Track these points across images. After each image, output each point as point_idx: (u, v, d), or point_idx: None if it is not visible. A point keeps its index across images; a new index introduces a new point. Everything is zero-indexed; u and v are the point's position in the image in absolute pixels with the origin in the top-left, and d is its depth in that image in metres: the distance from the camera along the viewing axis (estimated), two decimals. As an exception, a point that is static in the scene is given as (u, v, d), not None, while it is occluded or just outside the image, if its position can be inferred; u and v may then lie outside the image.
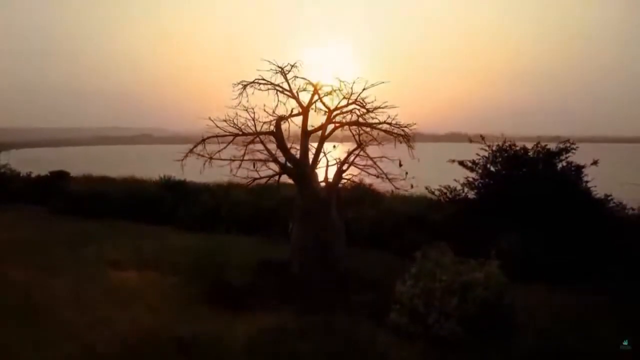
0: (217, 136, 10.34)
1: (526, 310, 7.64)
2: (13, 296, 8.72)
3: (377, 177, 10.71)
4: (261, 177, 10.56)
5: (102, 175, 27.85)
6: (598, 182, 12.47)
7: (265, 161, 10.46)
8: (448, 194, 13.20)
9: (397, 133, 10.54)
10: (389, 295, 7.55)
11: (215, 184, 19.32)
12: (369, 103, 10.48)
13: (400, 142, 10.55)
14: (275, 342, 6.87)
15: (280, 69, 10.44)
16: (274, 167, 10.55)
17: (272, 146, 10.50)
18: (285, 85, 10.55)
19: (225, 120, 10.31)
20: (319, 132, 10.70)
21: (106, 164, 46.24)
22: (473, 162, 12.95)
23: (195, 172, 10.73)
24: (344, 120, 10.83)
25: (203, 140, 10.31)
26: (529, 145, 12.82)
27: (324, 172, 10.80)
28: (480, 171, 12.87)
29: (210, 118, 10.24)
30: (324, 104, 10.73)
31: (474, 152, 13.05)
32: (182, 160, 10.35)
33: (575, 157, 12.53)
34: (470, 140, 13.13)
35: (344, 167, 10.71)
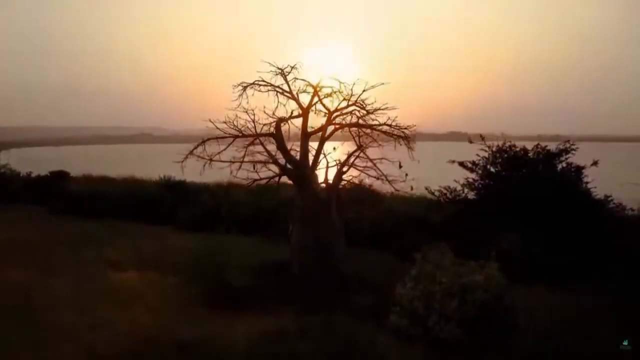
0: (217, 138, 10.34)
1: (526, 311, 7.63)
2: (13, 296, 8.72)
3: (377, 178, 10.72)
4: (261, 179, 10.57)
5: (102, 175, 27.86)
6: (598, 182, 12.48)
7: (265, 163, 10.47)
8: (448, 195, 13.21)
9: (397, 134, 10.54)
10: (389, 297, 7.54)
11: (215, 184, 19.33)
12: (369, 104, 10.51)
13: (400, 144, 10.56)
14: (275, 342, 6.87)
15: (280, 71, 10.44)
16: (274, 168, 10.56)
17: (272, 147, 10.50)
18: (285, 87, 10.57)
19: (225, 122, 10.33)
20: (319, 133, 10.70)
21: (106, 164, 46.25)
22: (473, 162, 12.95)
23: (195, 172, 10.74)
24: (344, 122, 10.83)
25: (203, 142, 10.32)
26: (529, 144, 12.83)
27: (324, 173, 10.82)
28: (480, 172, 12.87)
29: (210, 120, 10.26)
30: (324, 105, 10.75)
31: (474, 151, 13.05)
32: (182, 162, 10.35)
33: (575, 157, 12.54)
34: (470, 141, 13.13)
35: (344, 169, 10.71)
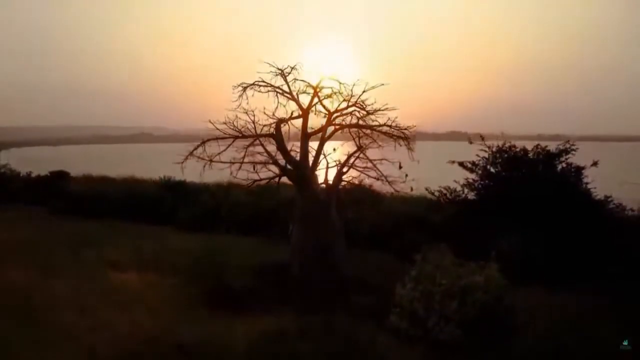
0: (217, 138, 10.34)
1: (526, 311, 7.64)
2: (13, 297, 8.72)
3: (377, 179, 10.72)
4: (261, 179, 10.57)
5: (102, 175, 27.87)
6: (598, 182, 12.46)
7: (265, 163, 10.47)
8: (448, 195, 13.20)
9: (397, 135, 10.54)
10: (389, 297, 7.55)
11: (215, 184, 19.32)
12: (369, 105, 10.51)
13: (400, 145, 10.56)
14: (275, 343, 6.88)
15: (280, 71, 10.44)
16: (274, 169, 10.56)
17: (272, 148, 10.50)
18: (285, 88, 10.56)
19: (225, 123, 10.32)
20: (319, 134, 10.70)
21: (106, 163, 46.27)
22: (473, 163, 12.93)
23: (195, 172, 10.74)
24: (344, 123, 10.84)
25: (203, 143, 10.32)
26: (529, 144, 12.81)
27: (324, 174, 10.82)
28: (480, 172, 12.86)
29: (210, 121, 10.26)
30: (324, 106, 10.75)
31: (474, 151, 13.04)
32: (182, 163, 10.35)
33: (575, 156, 12.52)
34: (470, 142, 13.12)
35: (344, 170, 10.72)
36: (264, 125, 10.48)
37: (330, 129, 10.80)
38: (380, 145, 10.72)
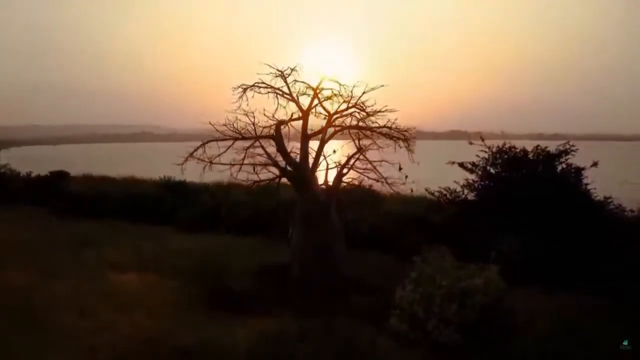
0: (217, 140, 10.34)
1: (526, 313, 7.65)
2: (13, 298, 8.73)
3: (377, 181, 10.73)
4: (261, 181, 10.58)
5: (102, 174, 27.88)
6: (598, 182, 12.45)
7: (265, 165, 10.48)
8: (448, 196, 13.19)
9: (397, 137, 10.54)
10: (389, 299, 7.55)
11: (215, 184, 19.32)
12: (369, 106, 10.51)
13: (400, 147, 10.56)
14: (275, 345, 6.89)
15: (280, 73, 10.44)
16: (274, 170, 10.57)
17: (272, 150, 10.50)
18: (285, 89, 10.55)
19: (225, 124, 10.32)
20: (319, 135, 10.70)
21: (106, 163, 46.26)
22: (473, 164, 12.93)
23: (195, 172, 10.75)
24: (344, 124, 10.84)
25: (203, 144, 10.33)
26: (529, 143, 12.80)
27: (324, 175, 10.83)
28: (480, 173, 12.85)
29: (210, 122, 10.27)
30: (324, 107, 10.74)
31: (474, 151, 13.03)
32: (182, 164, 10.36)
33: (575, 156, 12.51)
34: (471, 143, 13.11)
35: (344, 171, 10.72)
36: (264, 127, 10.48)
37: (330, 130, 10.81)
38: (380, 148, 10.73)
